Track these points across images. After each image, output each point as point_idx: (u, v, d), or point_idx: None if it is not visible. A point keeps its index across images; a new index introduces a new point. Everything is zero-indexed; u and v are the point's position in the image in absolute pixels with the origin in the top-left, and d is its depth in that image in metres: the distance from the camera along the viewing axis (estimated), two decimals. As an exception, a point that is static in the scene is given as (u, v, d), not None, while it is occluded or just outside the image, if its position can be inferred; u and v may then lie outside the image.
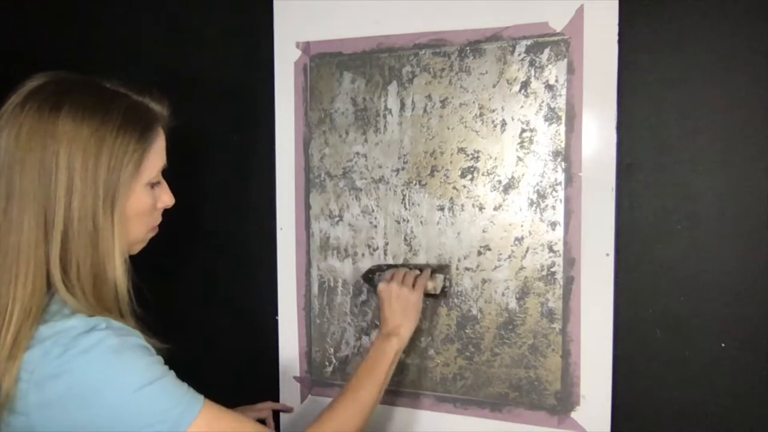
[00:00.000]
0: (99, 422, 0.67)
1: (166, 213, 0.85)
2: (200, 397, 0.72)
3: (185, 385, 0.72)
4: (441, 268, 1.05)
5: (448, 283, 1.05)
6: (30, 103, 0.72)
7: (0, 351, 0.67)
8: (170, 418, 0.68)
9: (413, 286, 1.00)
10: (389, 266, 1.07)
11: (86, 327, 0.68)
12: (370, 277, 1.08)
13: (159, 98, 0.81)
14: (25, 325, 0.68)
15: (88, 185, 0.71)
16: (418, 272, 1.03)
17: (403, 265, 1.07)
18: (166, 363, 0.74)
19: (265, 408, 1.11)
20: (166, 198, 0.82)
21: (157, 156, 0.79)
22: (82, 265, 0.71)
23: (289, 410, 1.16)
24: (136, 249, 0.82)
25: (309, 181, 1.13)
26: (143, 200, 0.78)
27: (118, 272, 0.74)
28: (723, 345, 0.93)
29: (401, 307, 0.97)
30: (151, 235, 0.84)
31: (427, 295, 1.03)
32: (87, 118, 0.72)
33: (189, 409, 0.70)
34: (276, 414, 1.15)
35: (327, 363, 1.14)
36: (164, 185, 0.83)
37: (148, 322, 0.78)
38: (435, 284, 1.03)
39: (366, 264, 1.10)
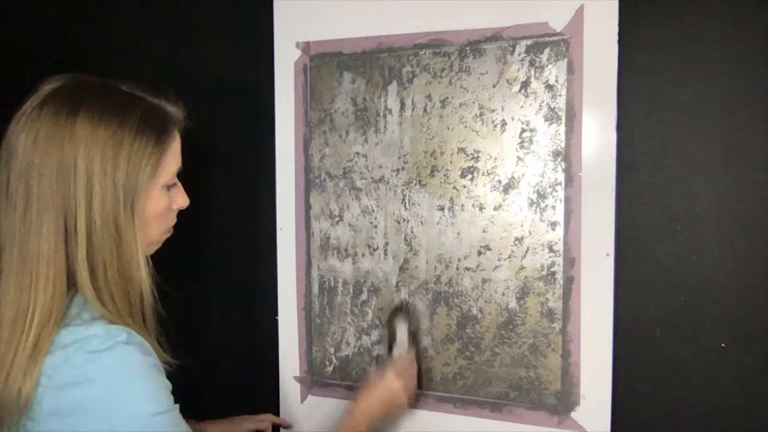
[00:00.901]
0: None
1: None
2: None
3: (185, 424, 0.73)
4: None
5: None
6: (47, 106, 0.71)
7: (21, 354, 0.67)
8: None
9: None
10: (415, 323, 1.05)
11: (108, 337, 0.68)
12: (393, 317, 1.06)
13: (175, 101, 0.81)
14: (45, 329, 0.68)
15: (107, 189, 0.71)
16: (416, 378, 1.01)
17: (416, 332, 1.06)
18: (169, 370, 0.75)
19: (265, 420, 1.11)
20: (180, 199, 0.83)
21: (173, 158, 0.79)
22: (109, 268, 0.72)
23: (288, 426, 1.15)
24: (152, 250, 0.82)
25: (309, 181, 1.13)
26: (160, 202, 0.78)
27: (143, 273, 0.75)
28: (723, 345, 0.93)
29: (386, 411, 0.95)
30: (166, 236, 0.84)
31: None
32: (104, 122, 0.72)
33: None
34: (275, 428, 1.15)
35: (327, 363, 1.14)
36: (179, 187, 0.83)
37: (168, 327, 0.79)
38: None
39: (366, 264, 1.10)
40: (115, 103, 0.74)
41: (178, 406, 0.72)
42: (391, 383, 0.95)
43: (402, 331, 1.04)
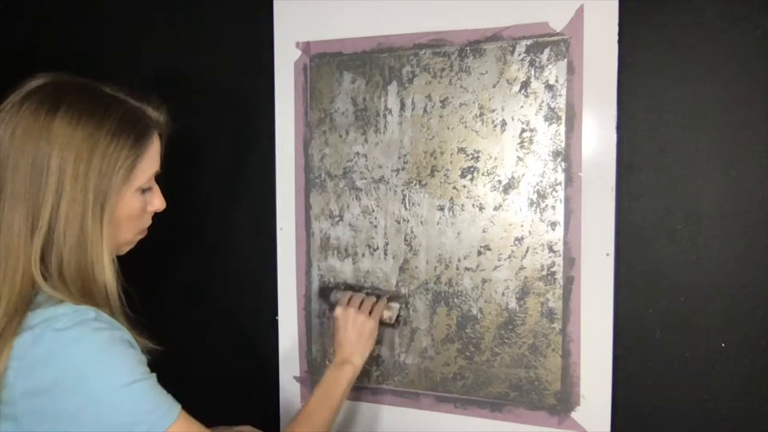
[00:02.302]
0: (83, 413, 0.67)
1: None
2: (177, 406, 0.72)
3: (164, 391, 0.73)
4: (397, 297, 1.08)
5: (403, 313, 1.08)
6: (28, 103, 0.72)
7: None
8: (148, 420, 0.69)
9: (370, 313, 1.02)
10: (347, 286, 1.10)
11: (76, 315, 0.69)
12: (326, 294, 1.11)
13: (157, 104, 0.81)
14: (11, 322, 0.68)
15: (77, 190, 0.71)
16: (374, 299, 1.05)
17: (360, 289, 1.09)
18: (163, 363, 0.75)
19: (243, 431, 1.11)
20: (156, 202, 0.83)
21: (150, 162, 0.79)
22: (65, 266, 0.72)
23: None
24: (124, 251, 0.82)
25: (309, 181, 1.13)
26: (133, 205, 0.78)
27: (108, 275, 0.75)
28: (723, 345, 0.93)
29: (357, 334, 1.00)
30: (140, 237, 0.84)
31: (382, 323, 1.05)
32: (82, 123, 0.72)
33: (166, 416, 0.71)
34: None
35: (327, 363, 1.14)
36: (156, 189, 0.83)
37: (138, 325, 0.78)
38: (390, 314, 1.06)
39: (366, 264, 1.10)
40: (95, 104, 0.74)
41: (154, 375, 0.73)
42: (354, 316, 1.00)
43: (340, 294, 1.08)
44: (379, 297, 1.07)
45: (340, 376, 0.96)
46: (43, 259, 0.71)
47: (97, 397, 0.67)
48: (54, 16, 1.32)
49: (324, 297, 1.12)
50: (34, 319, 0.69)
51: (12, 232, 0.70)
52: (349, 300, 1.04)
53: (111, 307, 0.76)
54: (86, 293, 0.73)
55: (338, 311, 1.02)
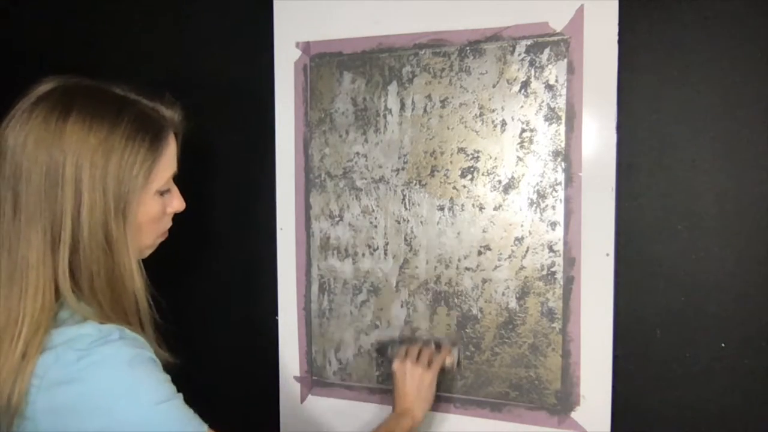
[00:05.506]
0: None
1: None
2: (204, 426, 0.71)
3: (191, 411, 0.71)
4: (453, 341, 1.05)
5: (461, 355, 1.05)
6: (38, 109, 0.70)
7: (9, 362, 0.66)
8: None
9: (429, 363, 0.99)
10: (402, 340, 1.07)
11: (100, 335, 0.67)
12: (383, 351, 1.09)
13: (171, 103, 0.79)
14: (34, 338, 0.67)
15: (96, 197, 0.69)
16: (433, 348, 1.02)
17: (416, 340, 1.06)
18: (163, 363, 0.74)
19: None
20: (176, 203, 0.81)
21: (167, 164, 0.77)
22: (96, 278, 0.70)
23: None
24: (145, 254, 0.81)
25: (309, 181, 1.13)
26: (153, 208, 0.76)
27: (137, 281, 0.74)
28: (723, 345, 0.93)
29: (415, 387, 0.96)
30: (161, 240, 0.82)
31: (442, 370, 1.02)
32: (95, 127, 0.69)
33: None
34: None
35: (327, 363, 1.14)
36: (174, 191, 0.81)
37: (165, 332, 0.78)
38: (452, 359, 1.03)
39: (366, 264, 1.10)
40: (107, 107, 0.72)
41: (181, 395, 0.71)
42: (412, 368, 0.97)
43: (396, 348, 1.05)
44: (438, 345, 1.04)
45: (400, 423, 0.93)
46: (73, 273, 0.69)
47: (124, 418, 0.66)
48: (52, 15, 1.32)
49: (381, 353, 1.09)
50: (57, 339, 0.67)
51: (30, 246, 0.68)
52: (407, 352, 1.00)
53: (140, 314, 0.74)
54: (116, 302, 0.72)
55: (396, 365, 0.98)
